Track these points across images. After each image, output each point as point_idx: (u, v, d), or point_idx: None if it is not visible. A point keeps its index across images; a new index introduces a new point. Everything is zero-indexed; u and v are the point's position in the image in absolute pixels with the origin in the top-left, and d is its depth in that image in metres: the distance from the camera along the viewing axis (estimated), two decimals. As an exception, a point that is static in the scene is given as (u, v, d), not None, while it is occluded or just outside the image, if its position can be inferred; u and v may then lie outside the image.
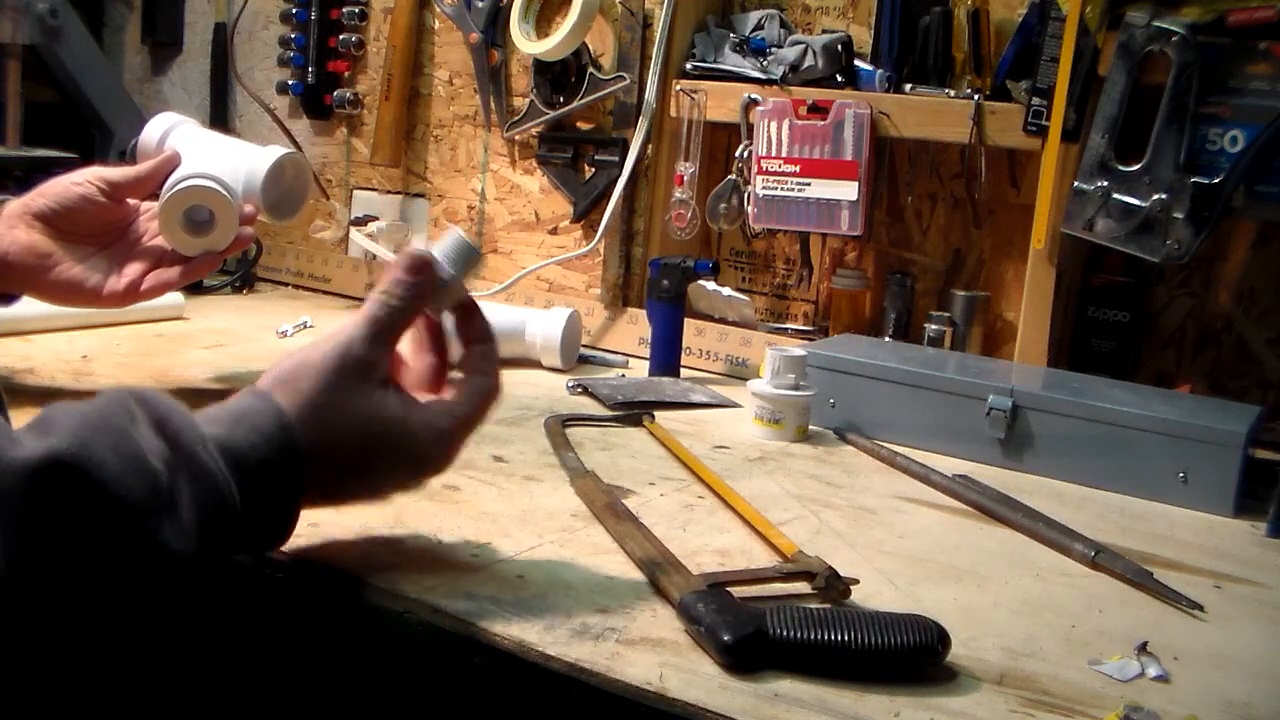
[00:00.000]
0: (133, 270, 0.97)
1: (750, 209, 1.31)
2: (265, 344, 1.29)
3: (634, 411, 1.09)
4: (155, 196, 0.99)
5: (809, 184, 1.27)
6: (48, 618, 0.52)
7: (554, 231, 1.47)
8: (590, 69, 1.38)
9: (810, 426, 1.08)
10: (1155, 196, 1.06)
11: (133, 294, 0.97)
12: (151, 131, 1.05)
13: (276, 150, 1.04)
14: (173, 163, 0.99)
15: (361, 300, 1.64)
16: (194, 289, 1.47)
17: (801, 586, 0.69)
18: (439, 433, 0.67)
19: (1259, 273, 1.18)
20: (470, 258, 0.70)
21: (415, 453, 0.66)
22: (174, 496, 0.55)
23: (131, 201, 1.00)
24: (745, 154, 1.31)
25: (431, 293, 0.69)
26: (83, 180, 0.94)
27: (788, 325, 1.39)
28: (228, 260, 1.28)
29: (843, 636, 0.59)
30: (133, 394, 0.58)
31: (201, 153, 1.03)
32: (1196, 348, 1.21)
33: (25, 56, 1.63)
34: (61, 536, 0.51)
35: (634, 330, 1.38)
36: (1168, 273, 1.20)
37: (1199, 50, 1.04)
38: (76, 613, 0.53)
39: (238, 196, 0.99)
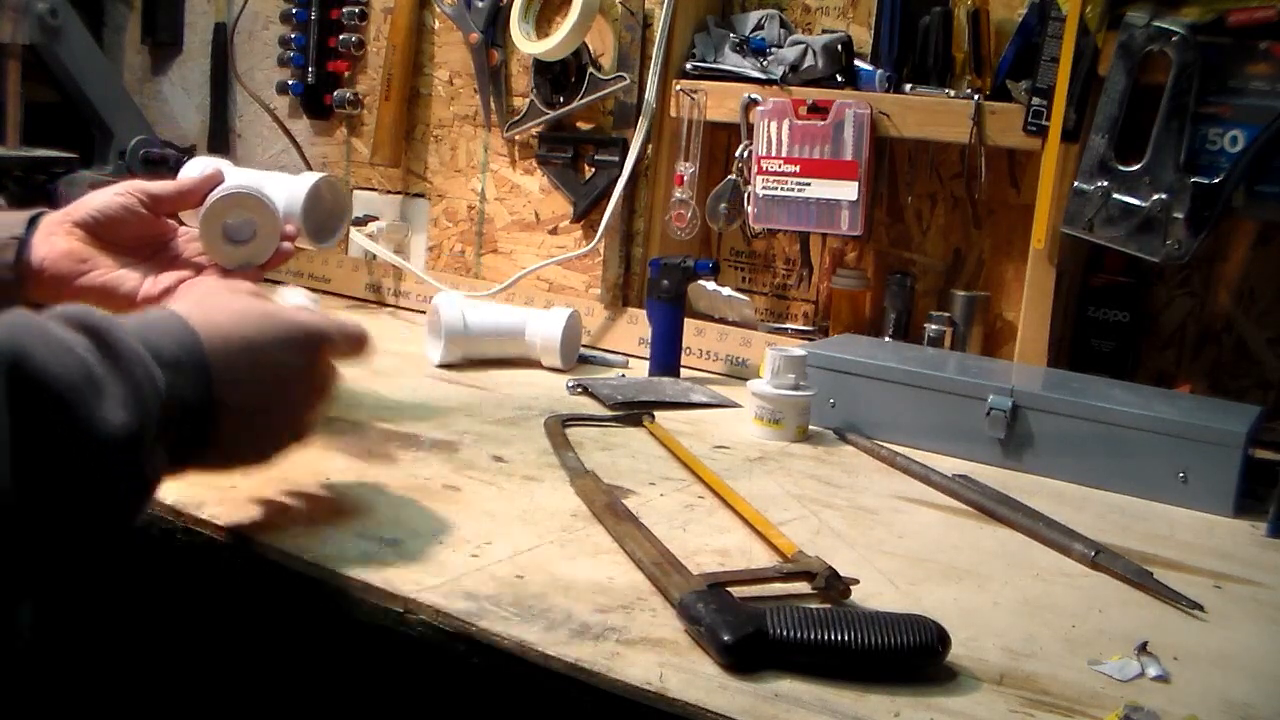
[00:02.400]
0: (169, 278, 0.94)
1: (750, 209, 1.31)
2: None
3: (634, 411, 1.09)
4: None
5: (809, 184, 1.27)
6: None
7: (554, 231, 1.47)
8: (590, 69, 1.38)
9: (810, 426, 1.08)
10: (1155, 196, 1.06)
11: (168, 298, 0.92)
12: (189, 172, 1.04)
13: (314, 175, 1.03)
14: (215, 179, 0.98)
15: (361, 300, 1.64)
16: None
17: (801, 586, 0.69)
18: (311, 319, 0.75)
19: (1259, 273, 1.18)
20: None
21: (298, 334, 0.73)
22: (104, 378, 0.58)
23: (172, 222, 0.98)
24: (745, 154, 1.31)
25: None
26: (124, 191, 0.93)
27: (788, 325, 1.39)
28: None
29: (843, 636, 0.59)
30: (48, 310, 0.61)
31: (242, 178, 1.02)
32: (1196, 348, 1.21)
33: (25, 56, 1.63)
34: (9, 425, 0.53)
35: (634, 330, 1.38)
36: (1168, 273, 1.20)
37: (1199, 50, 1.04)
38: (30, 509, 0.54)
39: (279, 213, 0.98)
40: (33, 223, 0.90)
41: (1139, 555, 0.81)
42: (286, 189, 1.01)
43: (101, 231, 0.92)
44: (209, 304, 0.71)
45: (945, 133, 1.21)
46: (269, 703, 0.73)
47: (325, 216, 1.04)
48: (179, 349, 0.65)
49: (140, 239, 0.95)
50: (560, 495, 0.85)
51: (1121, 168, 1.08)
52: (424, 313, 1.37)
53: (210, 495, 0.78)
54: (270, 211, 0.95)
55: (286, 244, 0.97)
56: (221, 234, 0.95)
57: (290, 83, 1.65)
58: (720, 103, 1.33)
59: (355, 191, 1.64)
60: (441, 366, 1.24)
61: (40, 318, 0.59)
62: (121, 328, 0.61)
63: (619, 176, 1.36)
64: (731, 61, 1.34)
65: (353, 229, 1.57)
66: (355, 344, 0.78)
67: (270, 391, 0.71)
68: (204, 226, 0.94)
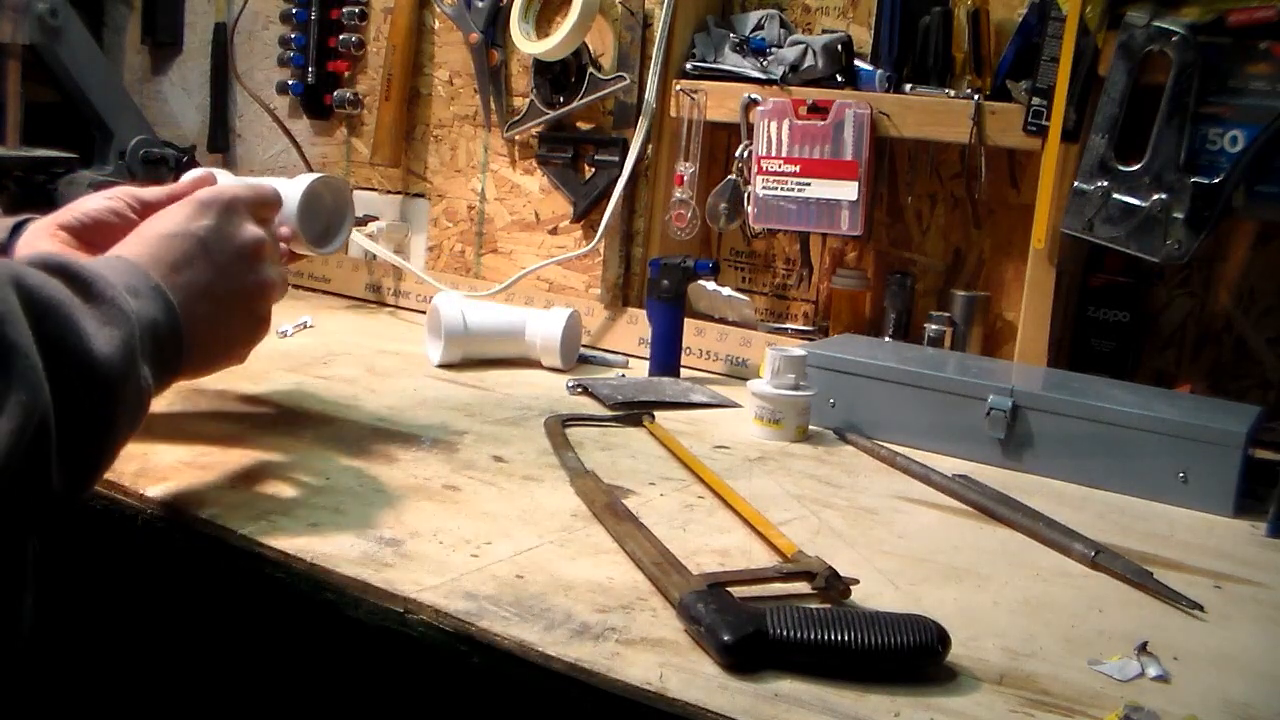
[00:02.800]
0: None
1: (750, 209, 1.31)
2: (265, 344, 1.28)
3: (634, 411, 1.09)
4: None
5: (809, 184, 1.27)
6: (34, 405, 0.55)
7: (554, 231, 1.47)
8: (590, 69, 1.38)
9: (810, 426, 1.08)
10: (1155, 196, 1.06)
11: None
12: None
13: (310, 176, 0.99)
14: (206, 182, 0.96)
15: (361, 300, 1.64)
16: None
17: (801, 586, 0.69)
18: (212, 189, 0.83)
19: (1259, 273, 1.18)
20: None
21: (206, 204, 0.80)
22: (83, 302, 0.62)
23: None
24: (745, 154, 1.31)
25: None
26: (114, 196, 0.93)
27: (788, 325, 1.39)
28: None
29: (843, 636, 0.59)
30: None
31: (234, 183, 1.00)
32: (1196, 348, 1.21)
33: (25, 56, 1.63)
34: (29, 328, 0.56)
35: (634, 330, 1.38)
36: (1168, 273, 1.20)
37: (1199, 50, 1.04)
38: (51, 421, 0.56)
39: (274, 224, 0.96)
40: (17, 229, 0.90)
41: (1139, 555, 0.81)
42: (285, 189, 0.98)
43: (88, 235, 0.90)
44: (142, 232, 0.77)
45: (945, 133, 1.21)
46: (269, 703, 0.73)
47: (328, 218, 1.02)
48: (133, 279, 0.70)
49: None
50: (560, 495, 0.85)
51: (1121, 168, 1.08)
52: (424, 313, 1.37)
53: (211, 495, 0.78)
54: None
55: (280, 246, 0.95)
56: None
57: (290, 83, 1.65)
58: (720, 103, 1.33)
59: (355, 191, 1.64)
60: (441, 366, 1.24)
61: (7, 259, 0.64)
62: (84, 262, 0.66)
63: (619, 176, 1.36)
64: (731, 61, 1.34)
65: (353, 229, 1.57)
66: (264, 199, 0.86)
67: (227, 295, 0.78)
68: None
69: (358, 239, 1.55)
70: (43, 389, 0.55)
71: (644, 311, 1.32)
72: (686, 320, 1.28)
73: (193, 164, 1.75)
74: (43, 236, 0.90)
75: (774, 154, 1.28)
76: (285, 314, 1.42)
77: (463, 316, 1.24)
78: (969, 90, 1.21)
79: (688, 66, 1.36)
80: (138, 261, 0.73)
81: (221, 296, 0.77)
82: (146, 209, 0.93)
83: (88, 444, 0.61)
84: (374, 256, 1.56)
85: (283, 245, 0.95)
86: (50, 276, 0.61)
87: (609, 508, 0.80)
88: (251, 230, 0.82)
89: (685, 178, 1.36)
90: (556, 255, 1.44)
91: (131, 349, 0.64)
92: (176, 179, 1.53)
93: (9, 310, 0.55)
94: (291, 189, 0.97)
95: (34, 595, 0.56)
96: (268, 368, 1.14)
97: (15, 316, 0.55)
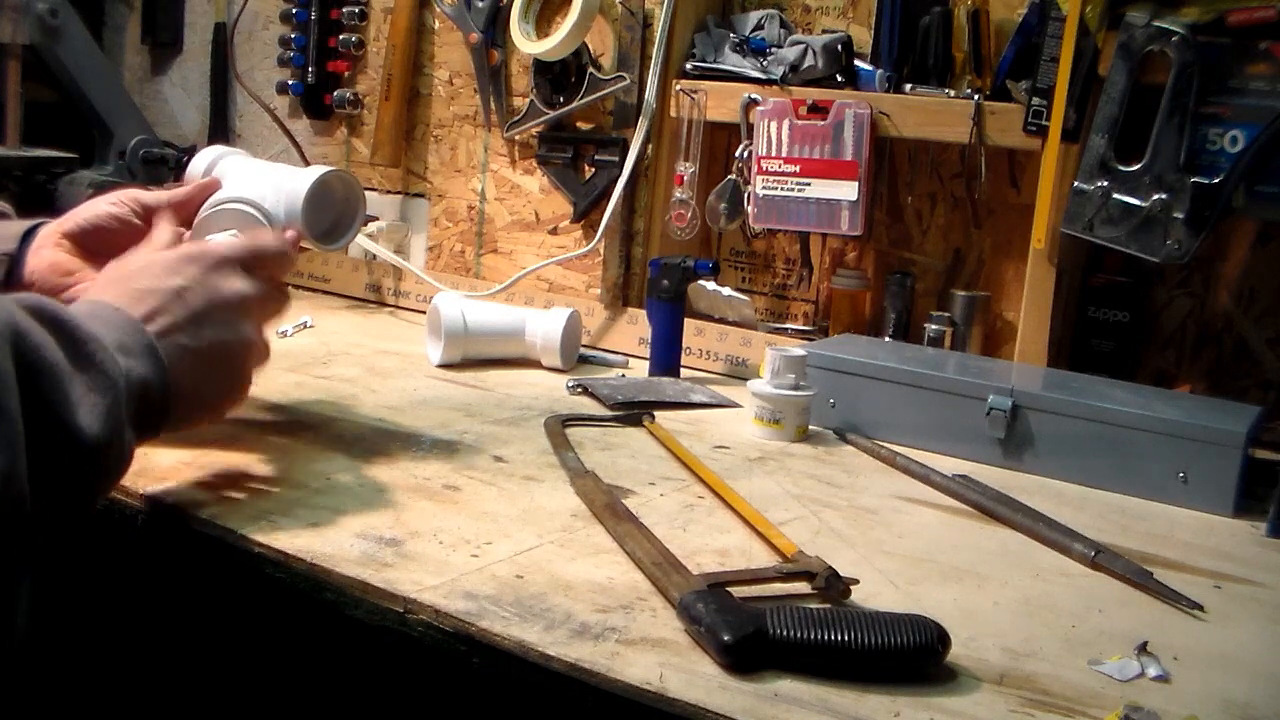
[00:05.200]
0: None
1: (750, 209, 1.31)
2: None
3: (634, 411, 1.09)
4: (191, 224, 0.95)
5: (809, 184, 1.27)
6: (10, 474, 0.54)
7: (554, 231, 1.47)
8: (590, 69, 1.38)
9: (810, 426, 1.08)
10: (1155, 196, 1.06)
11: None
12: (197, 164, 1.01)
13: (322, 168, 0.96)
14: (211, 188, 0.95)
15: (361, 300, 1.64)
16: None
17: (801, 586, 0.69)
18: (219, 245, 0.80)
19: (1259, 273, 1.18)
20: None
21: (211, 262, 0.78)
22: (71, 368, 0.61)
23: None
24: (745, 154, 1.31)
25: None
26: (117, 201, 0.92)
27: (788, 325, 1.39)
28: None
29: (843, 636, 0.59)
30: (6, 297, 0.63)
31: (246, 178, 0.97)
32: (1196, 348, 1.21)
33: (25, 56, 1.63)
34: (18, 395, 0.56)
35: (634, 330, 1.38)
36: (1168, 273, 1.20)
37: (1199, 50, 1.04)
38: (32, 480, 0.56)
39: (277, 221, 0.93)
40: (29, 235, 0.90)
41: (1139, 555, 0.81)
42: (289, 185, 0.95)
43: (90, 242, 0.90)
44: (129, 287, 0.74)
45: (945, 133, 1.21)
46: (270, 703, 0.73)
47: (337, 213, 0.98)
48: (125, 335, 0.68)
49: (132, 248, 0.91)
50: (560, 495, 0.85)
51: (1121, 168, 1.08)
52: (424, 313, 1.37)
53: (211, 496, 0.78)
54: (260, 225, 0.91)
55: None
56: None
57: (290, 83, 1.65)
58: (720, 103, 1.33)
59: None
60: (441, 366, 1.24)
61: (9, 303, 0.61)
62: (77, 318, 0.64)
63: (619, 176, 1.36)
64: (731, 61, 1.34)
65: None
66: (257, 252, 0.82)
67: (213, 352, 0.75)
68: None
69: (358, 239, 1.55)
70: (20, 457, 0.54)
71: (644, 311, 1.32)
72: (686, 320, 1.28)
73: (194, 152, 1.75)
74: (46, 244, 0.89)
75: (774, 154, 1.28)
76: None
77: (463, 316, 1.24)
78: (969, 90, 1.21)
79: (688, 66, 1.36)
80: (133, 315, 0.71)
81: (205, 355, 0.74)
82: (150, 213, 0.93)
83: (62, 507, 0.61)
84: (374, 256, 1.56)
85: (289, 234, 0.92)
86: (47, 334, 0.60)
87: (609, 508, 0.80)
88: (238, 286, 0.79)
89: (685, 178, 1.36)
90: (556, 255, 1.44)
91: (117, 417, 0.63)
92: (177, 179, 1.53)
93: (4, 373, 0.54)
94: (301, 180, 0.94)
95: (28, 601, 0.56)
96: (267, 368, 1.13)
97: (8, 380, 0.54)
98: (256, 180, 0.96)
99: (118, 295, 0.72)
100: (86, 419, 0.60)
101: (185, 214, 0.93)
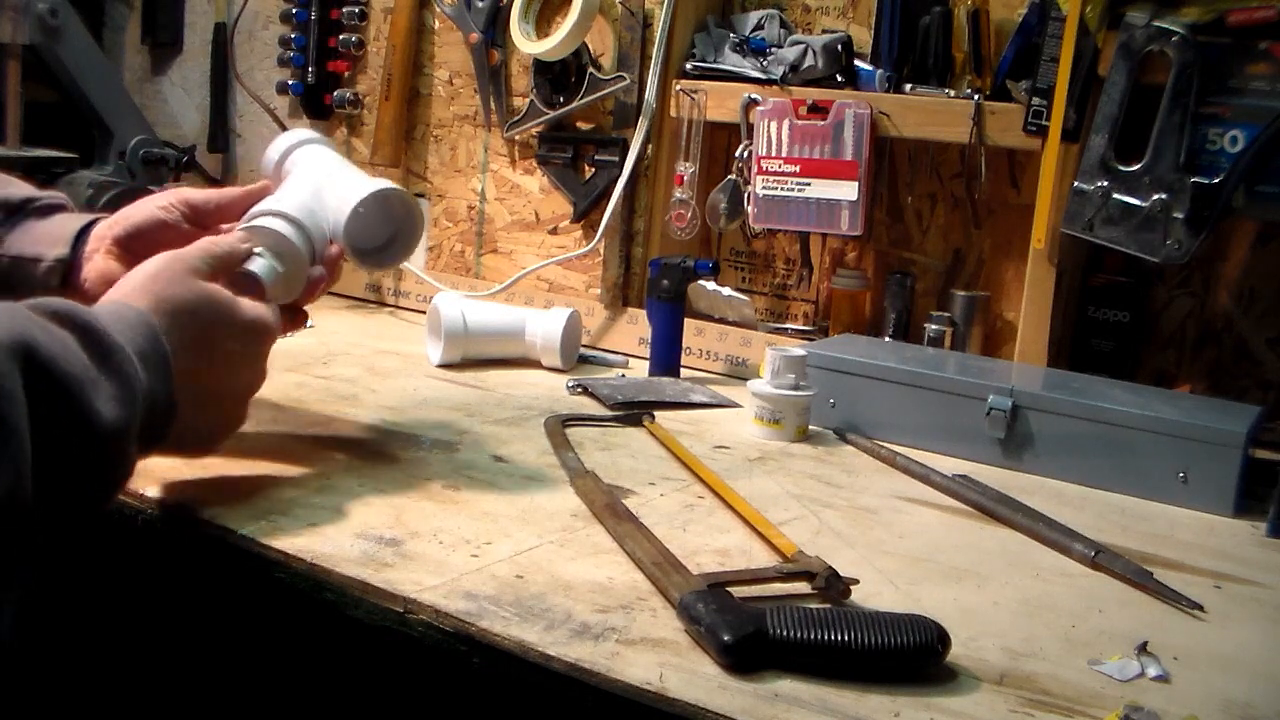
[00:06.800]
0: None
1: (750, 209, 1.31)
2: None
3: (634, 411, 1.09)
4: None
5: (809, 184, 1.27)
6: (15, 490, 0.54)
7: (554, 231, 1.47)
8: (590, 69, 1.38)
9: (810, 426, 1.08)
10: (1155, 196, 1.06)
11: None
12: (274, 150, 0.95)
13: (376, 183, 0.90)
14: (260, 194, 0.91)
15: (361, 300, 1.64)
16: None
17: (801, 586, 0.69)
18: (257, 308, 0.78)
19: (1259, 273, 1.18)
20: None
21: (247, 327, 0.76)
22: (98, 374, 0.61)
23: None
24: (745, 154, 1.31)
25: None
26: (166, 204, 0.90)
27: (788, 325, 1.39)
28: None
29: (843, 636, 0.59)
30: (31, 303, 0.62)
31: (308, 180, 0.91)
32: (1196, 348, 1.21)
33: (25, 56, 1.63)
34: (27, 410, 0.55)
35: (634, 330, 1.38)
36: (1168, 273, 1.20)
37: (1199, 50, 1.04)
38: (40, 492, 0.56)
39: (321, 238, 0.88)
40: (81, 236, 0.88)
41: (1139, 555, 0.81)
42: (345, 196, 0.89)
43: (139, 247, 0.87)
44: (162, 292, 0.72)
45: (945, 133, 1.21)
46: (269, 703, 0.73)
47: (393, 231, 0.93)
48: (146, 344, 0.67)
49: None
50: (560, 495, 0.85)
51: (1121, 168, 1.08)
52: (424, 313, 1.37)
53: (211, 496, 0.78)
54: (296, 250, 0.86)
55: (317, 270, 0.89)
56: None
57: (290, 83, 1.65)
58: (720, 103, 1.33)
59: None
60: (441, 366, 1.24)
61: (32, 312, 0.61)
62: (103, 323, 0.64)
63: (619, 176, 1.36)
64: (731, 61, 1.34)
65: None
66: (294, 325, 0.86)
67: (219, 383, 0.75)
68: None
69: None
70: (25, 475, 0.54)
71: (644, 311, 1.32)
72: (686, 320, 1.28)
73: (194, 152, 1.74)
74: (99, 248, 0.88)
75: (774, 154, 1.28)
76: (285, 314, 1.42)
77: (463, 316, 1.24)
78: (969, 90, 1.20)
79: (688, 66, 1.36)
80: (155, 325, 0.69)
81: (209, 382, 0.73)
82: (197, 215, 0.91)
83: (73, 510, 0.61)
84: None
85: (332, 251, 0.90)
86: (72, 340, 0.60)
87: (609, 508, 0.80)
88: (257, 314, 0.78)
89: (685, 178, 1.36)
90: (556, 255, 1.44)
91: (131, 428, 0.63)
92: (177, 179, 1.52)
93: (12, 389, 0.54)
94: (354, 193, 0.89)
95: (15, 610, 0.56)
96: (267, 367, 1.13)
97: (15, 396, 0.54)
98: (320, 184, 0.91)
99: (149, 301, 0.71)
100: (109, 419, 0.60)
101: (232, 216, 0.91)
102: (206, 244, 0.79)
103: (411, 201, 0.93)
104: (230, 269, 0.80)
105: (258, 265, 0.83)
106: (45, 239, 0.88)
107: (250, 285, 0.82)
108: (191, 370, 0.71)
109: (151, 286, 0.73)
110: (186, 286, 0.74)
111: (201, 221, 0.91)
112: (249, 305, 0.78)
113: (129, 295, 0.72)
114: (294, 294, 0.87)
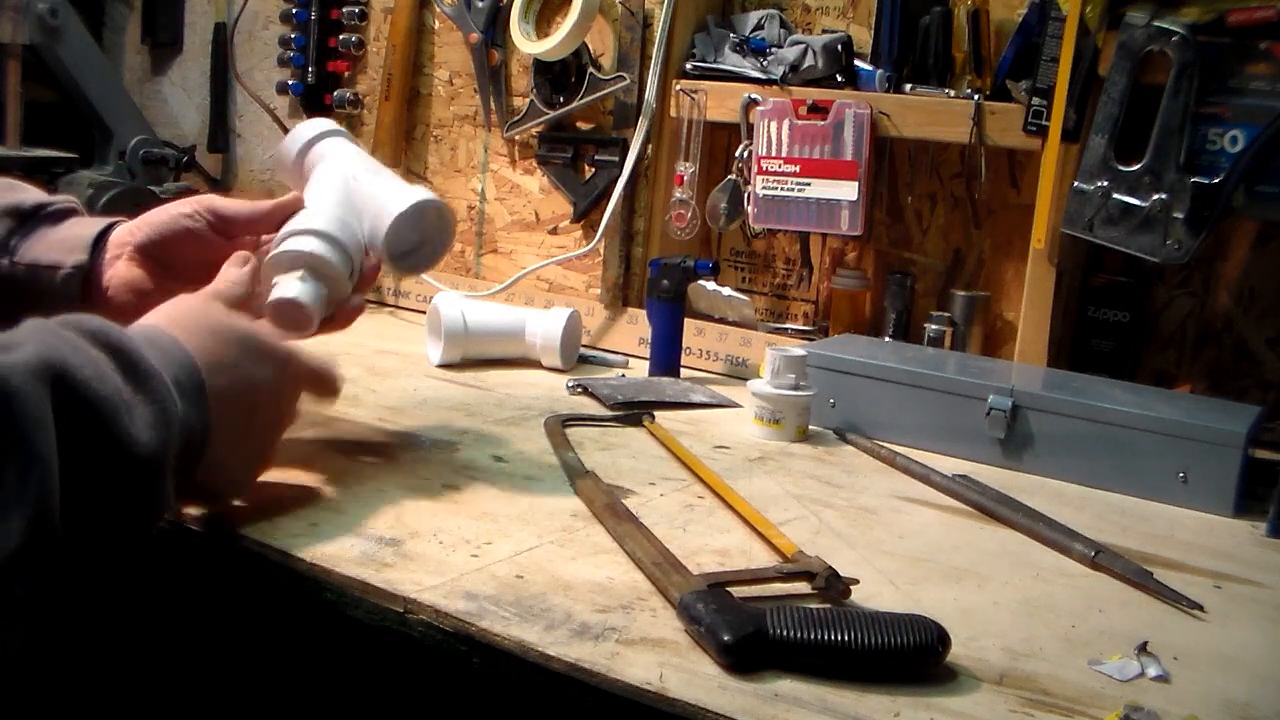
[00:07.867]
0: None
1: (750, 209, 1.31)
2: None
3: (634, 411, 1.09)
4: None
5: (809, 184, 1.27)
6: (42, 518, 0.53)
7: (554, 231, 1.47)
8: (590, 69, 1.38)
9: (810, 426, 1.08)
10: (1155, 196, 1.06)
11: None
12: (291, 144, 0.92)
13: (414, 194, 0.88)
14: (291, 206, 0.87)
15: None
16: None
17: (801, 586, 0.69)
18: (288, 349, 0.76)
19: (1259, 273, 1.18)
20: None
21: (278, 362, 0.74)
22: (133, 398, 0.60)
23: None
24: (745, 154, 1.31)
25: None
26: (191, 211, 0.87)
27: (788, 325, 1.39)
28: None
29: (843, 636, 0.59)
30: (63, 320, 0.61)
31: (337, 184, 0.89)
32: (1196, 348, 1.21)
33: (25, 56, 1.63)
34: (57, 432, 0.54)
35: (634, 330, 1.38)
36: (1168, 273, 1.20)
37: (1199, 50, 1.04)
38: (69, 512, 0.55)
39: (356, 248, 0.85)
40: (100, 241, 0.86)
41: (1139, 555, 0.81)
42: (383, 206, 0.86)
43: (162, 254, 0.86)
44: (192, 323, 0.70)
45: (945, 133, 1.21)
46: (269, 703, 0.73)
47: (421, 238, 0.90)
48: (181, 371, 0.65)
49: (205, 262, 0.84)
50: (560, 495, 0.85)
51: (1121, 168, 1.08)
52: (424, 313, 1.37)
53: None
54: (337, 270, 0.83)
55: (356, 299, 0.87)
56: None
57: (290, 83, 1.65)
58: (720, 103, 1.33)
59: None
60: (441, 366, 1.24)
61: (65, 330, 0.59)
62: (139, 346, 0.62)
63: (619, 176, 1.36)
64: (731, 61, 1.34)
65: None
66: (325, 385, 0.81)
67: (251, 419, 0.72)
68: (264, 281, 0.83)
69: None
70: (53, 502, 0.53)
71: (644, 311, 1.32)
72: (686, 320, 1.28)
73: (193, 152, 1.74)
74: (121, 254, 0.86)
75: (774, 154, 1.28)
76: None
77: (463, 316, 1.24)
78: (969, 90, 1.20)
79: (688, 66, 1.36)
80: (190, 352, 0.67)
81: (241, 416, 0.70)
82: (225, 225, 0.88)
83: (110, 538, 0.60)
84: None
85: (371, 262, 0.88)
86: (104, 358, 0.59)
87: (609, 508, 0.80)
88: (289, 349, 0.76)
89: (685, 178, 1.36)
90: (556, 255, 1.44)
91: (168, 455, 0.61)
92: (176, 179, 1.52)
93: (40, 416, 0.53)
94: (394, 204, 0.86)
95: (21, 642, 0.55)
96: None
97: (44, 423, 0.53)
98: (349, 188, 0.89)
99: (188, 334, 0.69)
100: (144, 448, 0.59)
101: (265, 229, 0.88)
102: (233, 276, 0.79)
103: (448, 212, 0.91)
104: (252, 302, 0.78)
105: (301, 291, 0.81)
106: (61, 246, 0.86)
107: (294, 311, 0.81)
108: (226, 400, 0.68)
109: (175, 317, 0.71)
110: (218, 318, 0.72)
111: (228, 232, 0.88)
112: (281, 340, 0.76)
113: (160, 323, 0.69)
114: (333, 308, 0.86)
